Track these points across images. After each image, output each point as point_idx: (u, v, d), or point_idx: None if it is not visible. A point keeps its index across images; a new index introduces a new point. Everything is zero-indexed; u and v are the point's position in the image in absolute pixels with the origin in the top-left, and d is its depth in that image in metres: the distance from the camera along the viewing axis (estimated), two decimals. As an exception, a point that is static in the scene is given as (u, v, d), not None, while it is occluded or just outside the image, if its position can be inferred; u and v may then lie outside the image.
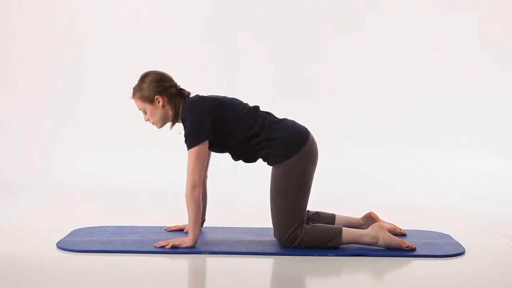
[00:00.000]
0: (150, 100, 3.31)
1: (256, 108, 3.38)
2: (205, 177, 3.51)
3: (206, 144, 3.25)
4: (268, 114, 3.38)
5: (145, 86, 3.31)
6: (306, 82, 5.52)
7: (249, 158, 3.37)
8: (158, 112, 3.32)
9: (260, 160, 3.41)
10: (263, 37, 5.55)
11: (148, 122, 3.40)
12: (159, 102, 3.31)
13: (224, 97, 3.40)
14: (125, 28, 5.54)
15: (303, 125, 3.39)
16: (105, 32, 5.54)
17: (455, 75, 5.47)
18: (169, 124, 3.40)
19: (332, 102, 5.45)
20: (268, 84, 5.50)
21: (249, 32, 5.56)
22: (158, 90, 3.30)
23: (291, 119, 3.42)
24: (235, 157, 3.40)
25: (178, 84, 3.38)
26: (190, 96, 3.37)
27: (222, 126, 3.27)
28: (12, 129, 5.51)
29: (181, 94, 3.36)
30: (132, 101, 3.38)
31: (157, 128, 3.41)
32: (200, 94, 3.38)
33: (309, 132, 3.36)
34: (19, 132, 5.50)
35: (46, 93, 5.55)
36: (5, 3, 5.55)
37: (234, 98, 3.42)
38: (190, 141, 3.24)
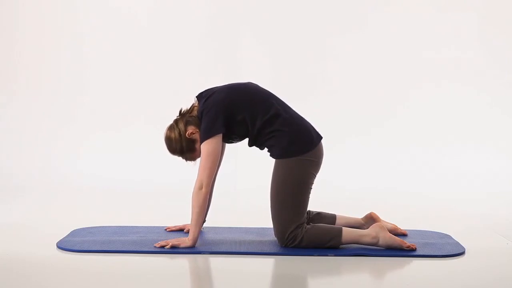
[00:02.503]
0: (192, 141, 3.33)
1: (271, 93, 3.39)
2: (214, 178, 3.52)
3: (218, 141, 3.25)
4: (284, 104, 3.38)
5: (178, 144, 3.32)
6: (306, 82, 5.53)
7: (261, 144, 3.37)
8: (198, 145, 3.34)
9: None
10: (263, 37, 5.55)
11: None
12: (193, 133, 3.32)
13: (238, 84, 3.41)
14: (125, 28, 5.54)
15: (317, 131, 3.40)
16: (105, 32, 5.54)
17: (455, 75, 5.47)
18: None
19: (332, 102, 5.45)
20: (268, 84, 5.48)
21: (249, 32, 5.56)
22: (179, 132, 3.31)
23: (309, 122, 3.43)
24: (251, 143, 3.39)
25: (176, 117, 3.39)
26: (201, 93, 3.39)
27: (238, 114, 3.27)
28: (12, 129, 5.51)
29: (184, 113, 3.38)
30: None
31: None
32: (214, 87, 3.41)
33: (321, 138, 3.37)
34: (19, 132, 5.50)
35: (46, 93, 5.55)
36: (5, 3, 5.55)
37: (249, 83, 3.43)
38: (203, 135, 3.25)
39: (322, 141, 3.38)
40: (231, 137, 3.36)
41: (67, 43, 5.57)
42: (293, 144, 3.27)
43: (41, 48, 5.56)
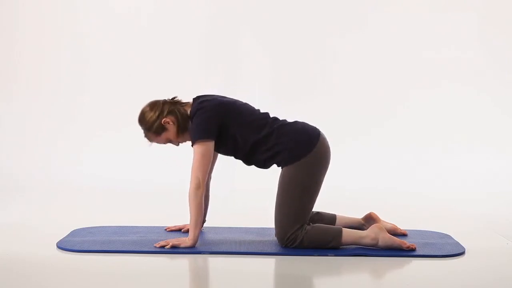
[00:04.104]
0: (162, 128, 3.34)
1: (266, 114, 3.38)
2: (209, 178, 3.52)
3: (211, 144, 3.25)
4: (277, 119, 3.38)
5: (148, 123, 3.34)
6: (306, 82, 5.53)
7: (262, 163, 3.36)
8: (175, 131, 3.35)
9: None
10: (263, 37, 5.55)
11: (180, 145, 3.44)
12: (169, 123, 3.33)
13: (235, 100, 3.41)
14: (125, 28, 5.54)
15: (314, 126, 3.38)
16: (106, 32, 5.54)
17: (455, 75, 5.47)
18: None
19: (332, 102, 5.45)
20: (268, 84, 5.50)
21: (249, 32, 5.56)
22: (158, 115, 3.32)
23: (302, 121, 3.41)
24: (248, 162, 3.40)
25: (166, 98, 3.40)
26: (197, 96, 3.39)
27: (230, 128, 3.27)
28: (12, 129, 5.51)
29: (176, 102, 3.39)
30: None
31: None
32: (211, 94, 3.40)
33: (319, 132, 3.34)
34: (19, 132, 5.50)
35: (46, 93, 5.55)
36: (5, 3, 5.55)
37: (246, 103, 3.42)
38: (194, 135, 3.24)
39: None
40: (218, 150, 3.36)
41: (67, 43, 5.57)
42: (296, 148, 3.26)
43: (41, 48, 5.56)
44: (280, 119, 3.38)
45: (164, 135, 3.36)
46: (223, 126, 3.27)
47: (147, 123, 3.35)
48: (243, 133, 3.28)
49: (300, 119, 3.44)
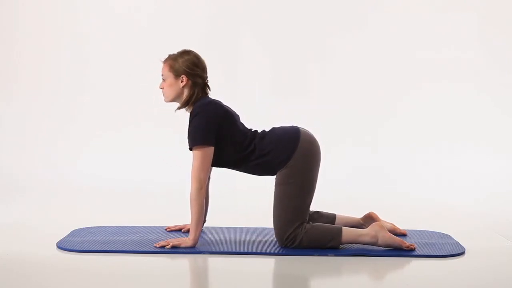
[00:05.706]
0: (176, 74, 3.34)
1: (254, 132, 3.39)
2: (208, 179, 3.52)
3: (211, 148, 3.26)
4: (258, 133, 3.40)
5: (180, 60, 3.35)
6: (306, 82, 5.52)
7: (252, 172, 3.40)
8: (175, 89, 3.35)
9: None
10: (263, 37, 5.55)
11: (161, 90, 3.42)
12: (182, 82, 3.34)
13: (236, 114, 3.42)
14: (125, 28, 5.54)
15: (292, 125, 3.40)
16: (105, 32, 5.54)
17: (455, 75, 5.47)
18: (174, 106, 3.44)
19: (332, 102, 5.45)
20: (268, 84, 5.50)
21: (249, 32, 5.55)
22: (188, 71, 3.33)
23: (280, 125, 3.43)
24: (238, 170, 3.44)
25: (207, 78, 3.40)
26: (208, 96, 3.41)
27: (221, 140, 3.28)
28: (12, 129, 5.51)
29: (204, 88, 3.39)
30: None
31: (164, 100, 3.43)
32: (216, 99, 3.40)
33: (298, 130, 3.35)
34: (20, 132, 5.50)
35: (46, 93, 5.55)
36: (5, 3, 5.55)
37: (242, 124, 3.43)
38: (194, 139, 3.24)
39: (318, 139, 3.38)
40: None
41: (67, 43, 5.57)
42: (282, 153, 3.28)
43: (41, 48, 5.56)
44: (259, 131, 3.40)
45: (169, 78, 3.35)
46: (218, 133, 3.28)
47: (180, 58, 3.34)
48: (228, 148, 3.30)
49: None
